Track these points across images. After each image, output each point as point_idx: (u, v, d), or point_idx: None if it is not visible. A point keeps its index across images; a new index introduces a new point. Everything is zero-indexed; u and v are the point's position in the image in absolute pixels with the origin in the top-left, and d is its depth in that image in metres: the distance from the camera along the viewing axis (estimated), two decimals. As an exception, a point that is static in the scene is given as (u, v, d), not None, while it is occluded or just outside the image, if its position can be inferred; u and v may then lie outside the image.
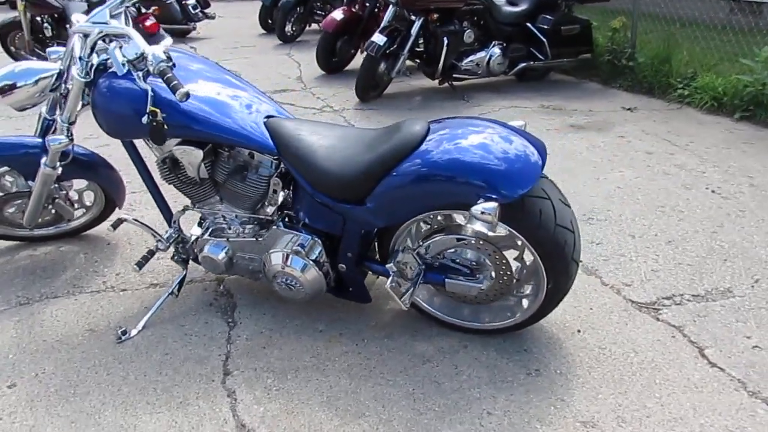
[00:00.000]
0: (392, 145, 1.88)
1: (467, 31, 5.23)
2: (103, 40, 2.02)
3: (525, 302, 2.07)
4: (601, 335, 2.17)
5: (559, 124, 4.56)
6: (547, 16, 5.38)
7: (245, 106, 2.08)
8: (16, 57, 6.22)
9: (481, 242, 1.95)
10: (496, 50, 5.33)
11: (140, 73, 1.90)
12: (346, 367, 2.05)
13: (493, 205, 1.71)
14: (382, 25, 5.19)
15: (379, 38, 4.87)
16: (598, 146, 4.07)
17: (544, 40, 5.34)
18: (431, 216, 2.04)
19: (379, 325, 2.25)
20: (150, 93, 1.88)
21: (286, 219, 2.18)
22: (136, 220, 2.33)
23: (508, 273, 1.99)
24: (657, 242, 2.80)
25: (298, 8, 7.88)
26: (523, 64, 5.45)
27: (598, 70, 5.81)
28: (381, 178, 1.88)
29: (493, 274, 2.00)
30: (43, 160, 2.31)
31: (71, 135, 2.23)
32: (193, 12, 8.26)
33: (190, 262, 2.37)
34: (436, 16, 5.00)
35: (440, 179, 1.81)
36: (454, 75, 5.32)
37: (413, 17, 5.04)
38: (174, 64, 1.95)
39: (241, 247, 2.22)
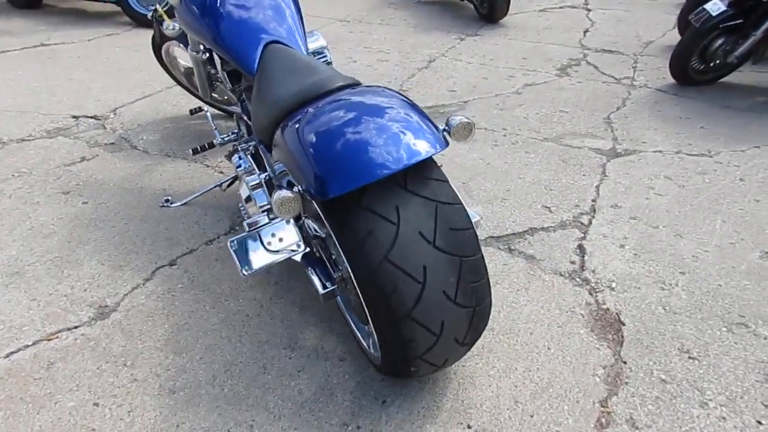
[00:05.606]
0: (297, 91, 1.59)
1: None
2: None
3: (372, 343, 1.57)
4: (482, 450, 1.49)
5: None
6: None
7: (257, 28, 2.02)
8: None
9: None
10: None
11: None
12: (234, 311, 1.97)
13: (287, 194, 1.34)
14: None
15: (713, 6, 3.69)
16: None
17: None
18: None
19: (316, 299, 2.03)
20: (166, -9, 2.06)
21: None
22: (209, 113, 2.60)
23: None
24: (796, 410, 1.61)
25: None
26: None
27: None
28: (277, 126, 1.64)
29: (348, 287, 1.57)
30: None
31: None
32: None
33: None
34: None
35: (287, 146, 1.47)
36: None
37: (796, -14, 3.61)
38: None
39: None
